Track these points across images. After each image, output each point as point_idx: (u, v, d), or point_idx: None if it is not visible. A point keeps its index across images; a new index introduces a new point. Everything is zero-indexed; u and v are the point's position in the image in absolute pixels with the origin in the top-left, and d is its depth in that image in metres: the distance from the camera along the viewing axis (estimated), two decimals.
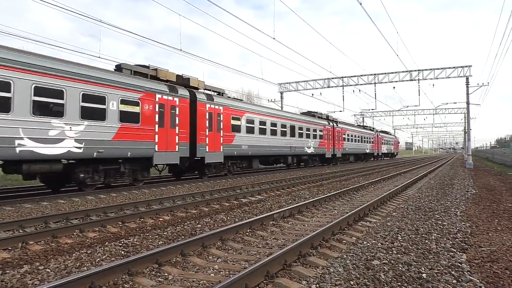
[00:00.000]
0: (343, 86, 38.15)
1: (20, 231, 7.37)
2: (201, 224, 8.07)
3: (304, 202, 10.12)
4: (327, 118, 36.14)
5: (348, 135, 40.38)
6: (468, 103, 33.41)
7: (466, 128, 42.27)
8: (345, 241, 6.35)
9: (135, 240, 6.61)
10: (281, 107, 43.93)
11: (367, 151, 47.85)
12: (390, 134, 67.56)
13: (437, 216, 8.63)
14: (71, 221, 8.32)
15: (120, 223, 8.11)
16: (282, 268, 4.78)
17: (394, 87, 37.95)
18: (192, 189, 14.58)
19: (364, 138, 46.35)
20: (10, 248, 6.10)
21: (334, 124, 36.53)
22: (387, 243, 6.13)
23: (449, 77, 32.78)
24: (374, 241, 6.23)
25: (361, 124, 55.81)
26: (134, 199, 11.71)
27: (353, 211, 8.32)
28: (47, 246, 6.25)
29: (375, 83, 36.49)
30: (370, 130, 52.01)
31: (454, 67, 32.64)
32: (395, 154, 70.50)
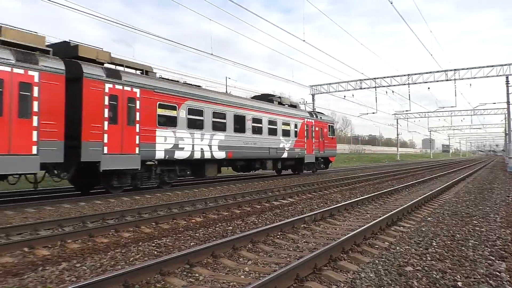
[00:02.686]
0: (375, 87, 37.51)
1: (59, 230, 7.69)
2: (232, 226, 8.14)
3: (336, 206, 10.01)
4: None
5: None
6: (508, 103, 32.08)
7: (507, 130, 40.47)
8: (377, 246, 6.23)
9: (167, 240, 6.75)
10: (313, 109, 43.64)
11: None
12: (295, 107, 25.10)
13: (475, 222, 8.31)
14: (107, 221, 8.61)
15: (154, 223, 8.31)
16: (312, 272, 4.75)
17: (429, 88, 37.01)
18: (224, 191, 14.73)
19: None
20: (50, 246, 6.39)
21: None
22: (421, 249, 5.97)
23: (487, 76, 31.63)
24: (407, 247, 6.08)
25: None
26: (167, 200, 11.97)
27: (386, 215, 8.15)
28: (84, 245, 6.49)
29: (408, 84, 35.66)
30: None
31: (492, 66, 31.45)
32: (321, 160, 26.70)
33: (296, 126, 23.23)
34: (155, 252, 5.97)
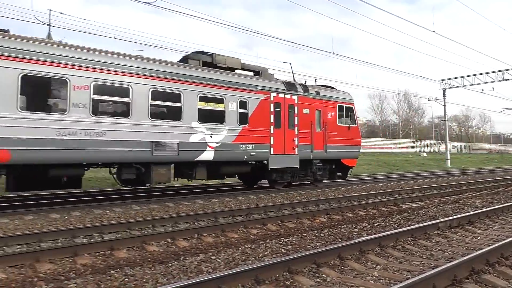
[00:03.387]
0: None
1: (196, 223, 8.43)
2: (358, 228, 7.93)
3: (475, 212, 9.01)
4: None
5: None
6: None
7: None
8: None
9: (293, 239, 6.88)
10: (444, 105, 40.16)
11: None
12: (258, 74, 14.58)
13: None
14: (236, 217, 9.15)
15: (279, 222, 8.54)
16: (451, 284, 4.35)
17: None
18: (347, 192, 14.44)
19: None
20: (188, 238, 7.05)
21: None
22: None
23: None
24: None
25: None
26: (291, 199, 12.21)
27: None
28: (217, 239, 7.00)
29: None
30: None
31: None
32: (319, 165, 15.87)
33: (244, 105, 13.18)
34: (282, 250, 6.14)
